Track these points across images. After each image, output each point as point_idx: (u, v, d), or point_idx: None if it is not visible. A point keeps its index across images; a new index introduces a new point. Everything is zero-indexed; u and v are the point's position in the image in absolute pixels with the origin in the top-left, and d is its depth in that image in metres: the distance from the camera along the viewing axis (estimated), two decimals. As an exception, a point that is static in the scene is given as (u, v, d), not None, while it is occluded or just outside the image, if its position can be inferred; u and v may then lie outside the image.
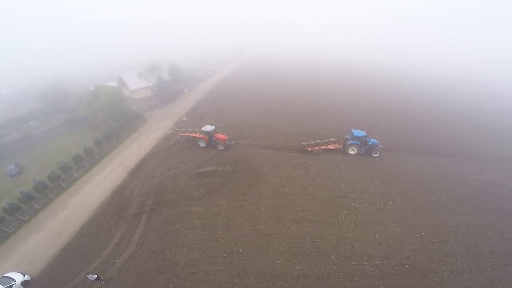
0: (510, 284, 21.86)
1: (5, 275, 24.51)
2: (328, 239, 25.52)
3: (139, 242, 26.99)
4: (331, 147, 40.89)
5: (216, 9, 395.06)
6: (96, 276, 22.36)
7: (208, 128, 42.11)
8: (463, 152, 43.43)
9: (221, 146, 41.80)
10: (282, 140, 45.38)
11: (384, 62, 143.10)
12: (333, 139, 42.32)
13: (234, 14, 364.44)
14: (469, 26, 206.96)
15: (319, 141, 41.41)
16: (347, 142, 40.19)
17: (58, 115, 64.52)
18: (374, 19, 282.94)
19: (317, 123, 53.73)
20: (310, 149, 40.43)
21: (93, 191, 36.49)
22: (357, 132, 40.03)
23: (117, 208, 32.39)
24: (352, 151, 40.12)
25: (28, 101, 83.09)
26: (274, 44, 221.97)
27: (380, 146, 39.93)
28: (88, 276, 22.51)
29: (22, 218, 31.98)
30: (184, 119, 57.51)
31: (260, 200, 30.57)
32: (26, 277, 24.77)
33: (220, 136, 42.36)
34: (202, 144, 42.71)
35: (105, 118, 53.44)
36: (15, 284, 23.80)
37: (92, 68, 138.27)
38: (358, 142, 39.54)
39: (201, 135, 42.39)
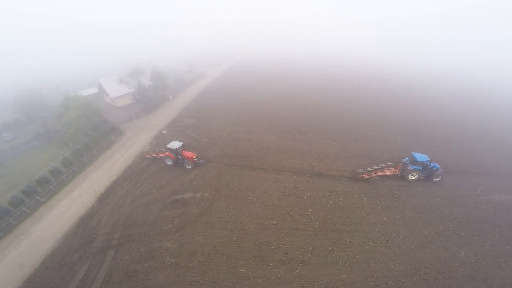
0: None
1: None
2: (318, 283, 23.37)
3: (105, 280, 24.85)
4: (388, 172, 38.19)
5: (216, 9, 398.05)
6: None
7: (175, 144, 40.34)
8: (472, 168, 41.35)
9: (189, 165, 40.15)
10: (271, 159, 43.10)
11: (384, 63, 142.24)
12: (390, 163, 40.14)
13: (234, 14, 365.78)
14: (475, 25, 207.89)
15: (375, 166, 38.90)
16: (407, 168, 37.44)
17: (34, 126, 62.15)
18: (374, 19, 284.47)
19: (311, 137, 51.47)
20: (366, 176, 37.61)
21: (58, 218, 34.28)
22: (420, 156, 37.17)
23: (82, 240, 30.21)
24: (413, 176, 37.43)
25: (7, 108, 79.34)
26: (271, 44, 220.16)
27: (441, 170, 37.52)
28: None
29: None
30: (164, 132, 55.01)
31: (243, 236, 28.25)
32: None
33: (188, 154, 40.65)
34: (169, 162, 41.25)
35: (76, 133, 50.61)
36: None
37: (84, 70, 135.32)
38: (421, 168, 36.96)
39: (167, 153, 40.77)
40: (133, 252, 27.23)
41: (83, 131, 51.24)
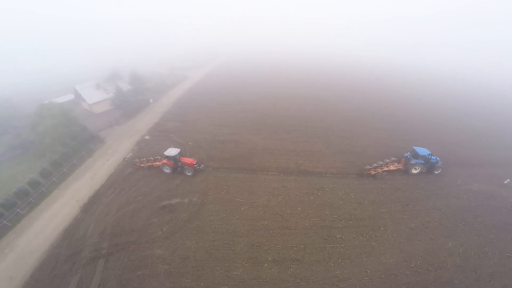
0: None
1: None
2: (313, 280, 23.56)
3: (100, 290, 24.15)
4: (392, 167, 39.08)
5: (215, 9, 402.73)
6: None
7: (172, 151, 38.99)
8: (451, 159, 42.81)
9: (189, 172, 38.95)
10: (258, 159, 43.10)
11: (370, 61, 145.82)
12: (394, 158, 41.12)
13: (232, 14, 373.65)
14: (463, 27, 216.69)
15: (380, 162, 40.09)
16: (410, 162, 38.63)
17: (8, 137, 58.62)
18: (370, 20, 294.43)
19: (296, 136, 52.00)
20: (373, 172, 38.31)
21: (41, 230, 32.70)
22: (421, 150, 38.49)
23: (69, 251, 28.97)
24: (415, 170, 38.65)
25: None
26: (257, 45, 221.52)
27: (441, 162, 38.88)
28: None
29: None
30: (147, 137, 53.72)
31: (234, 238, 28.02)
32: None
33: (188, 160, 39.46)
34: (167, 170, 39.66)
35: (54, 143, 48.55)
36: None
37: (58, 75, 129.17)
38: (422, 161, 38.20)
39: (164, 161, 39.25)
40: (124, 261, 26.46)
41: (60, 140, 48.93)
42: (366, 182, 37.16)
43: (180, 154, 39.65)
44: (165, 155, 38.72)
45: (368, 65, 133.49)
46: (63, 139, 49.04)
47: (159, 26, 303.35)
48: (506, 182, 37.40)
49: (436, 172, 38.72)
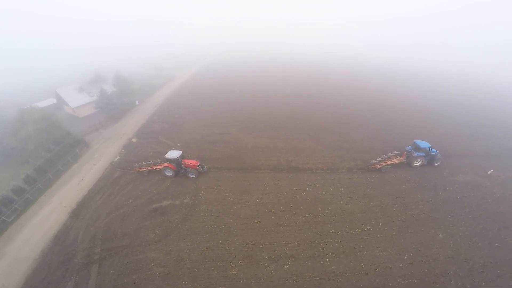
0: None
1: None
2: (310, 276, 23.65)
3: (96, 295, 23.47)
4: (395, 161, 40.01)
5: (215, 9, 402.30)
6: None
7: (174, 154, 37.91)
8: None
9: (192, 174, 38.01)
10: (249, 158, 42.97)
11: (366, 60, 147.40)
12: (396, 152, 41.97)
13: (232, 14, 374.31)
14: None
15: (384, 156, 40.91)
16: (413, 155, 39.57)
17: None
18: (370, 20, 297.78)
19: (286, 134, 52.20)
20: (378, 166, 39.05)
21: (30, 237, 31.59)
22: (422, 143, 39.72)
23: (61, 257, 28.16)
24: (417, 163, 39.67)
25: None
26: (262, 44, 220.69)
27: (440, 155, 40.00)
28: None
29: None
30: (134, 140, 52.57)
31: (229, 238, 27.81)
32: None
33: (190, 162, 38.54)
34: (169, 173, 38.55)
35: (37, 149, 46.94)
36: None
37: (38, 78, 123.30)
38: (424, 154, 39.16)
39: (166, 164, 38.10)
40: (118, 265, 25.90)
41: (44, 146, 47.41)
42: (356, 176, 37.68)
43: (182, 156, 38.68)
44: (167, 158, 37.67)
45: (359, 64, 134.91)
46: (47, 144, 47.57)
47: (159, 26, 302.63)
48: (489, 172, 38.55)
49: (436, 164, 39.85)
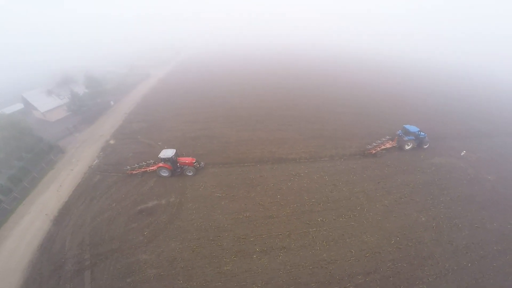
0: (494, 276, 22.75)
1: None
2: (303, 265, 23.95)
3: (95, 301, 22.76)
4: (388, 145, 41.51)
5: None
6: None
7: (168, 153, 36.65)
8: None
9: (190, 172, 37.22)
10: (233, 152, 42.60)
11: (348, 51, 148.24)
12: (388, 136, 44.08)
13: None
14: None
15: (378, 141, 42.62)
16: (404, 138, 41.09)
17: None
18: (363, 13, 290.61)
19: (268, 125, 52.17)
20: (373, 151, 40.43)
21: (15, 248, 29.96)
22: (411, 128, 41.41)
23: (51, 266, 26.98)
24: (408, 146, 41.56)
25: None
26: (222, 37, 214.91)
27: (428, 138, 41.81)
28: None
29: None
30: (112, 142, 50.48)
31: (219, 234, 27.56)
32: None
33: (186, 159, 37.71)
34: (165, 174, 37.36)
35: (7, 158, 44.19)
36: None
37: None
38: (413, 138, 40.66)
39: (161, 164, 36.84)
40: (110, 270, 25.16)
41: (14, 154, 44.77)
42: (338, 164, 38.59)
43: (177, 154, 37.60)
44: (161, 158, 36.36)
45: (343, 56, 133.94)
46: (18, 152, 44.81)
47: (166, 20, 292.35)
48: (462, 154, 40.64)
49: (425, 146, 42.08)
